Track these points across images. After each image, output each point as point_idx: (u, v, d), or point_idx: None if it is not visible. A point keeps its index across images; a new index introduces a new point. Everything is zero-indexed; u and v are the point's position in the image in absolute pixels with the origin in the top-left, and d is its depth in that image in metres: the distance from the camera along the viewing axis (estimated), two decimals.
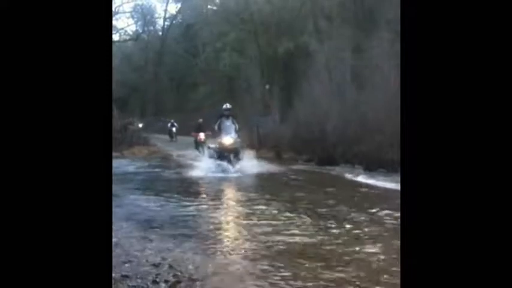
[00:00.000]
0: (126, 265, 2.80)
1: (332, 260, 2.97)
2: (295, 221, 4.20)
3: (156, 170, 9.75)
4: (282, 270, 2.75)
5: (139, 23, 30.01)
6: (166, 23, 30.59)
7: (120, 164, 9.87)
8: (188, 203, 5.24)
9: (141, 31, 29.05)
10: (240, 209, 5.11)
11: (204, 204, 5.28)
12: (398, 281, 1.47)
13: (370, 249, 3.25)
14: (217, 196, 6.09)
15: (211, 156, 9.10)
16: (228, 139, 8.74)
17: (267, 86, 18.47)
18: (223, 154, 8.68)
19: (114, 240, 3.17)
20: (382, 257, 3.03)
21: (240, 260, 2.97)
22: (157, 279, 2.56)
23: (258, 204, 5.13)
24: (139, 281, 2.53)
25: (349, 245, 3.37)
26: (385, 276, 2.64)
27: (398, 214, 3.10)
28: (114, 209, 3.45)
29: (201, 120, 13.51)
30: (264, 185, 7.20)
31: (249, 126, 13.24)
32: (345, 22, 14.93)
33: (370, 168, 9.27)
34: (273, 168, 9.49)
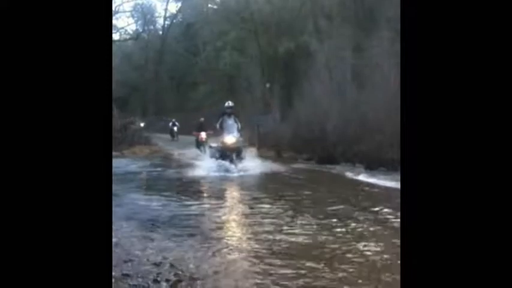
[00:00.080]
0: (127, 264, 2.80)
1: (335, 259, 2.97)
2: (298, 220, 4.19)
3: (158, 169, 9.68)
4: (284, 269, 2.75)
5: (139, 22, 30.03)
6: (166, 22, 30.61)
7: (121, 164, 9.84)
8: (189, 203, 5.24)
9: (141, 30, 29.08)
10: (242, 208, 5.11)
11: (205, 204, 5.28)
12: None
13: (373, 247, 3.25)
14: (219, 195, 6.06)
15: (212, 156, 8.91)
16: (230, 138, 8.52)
17: (268, 85, 18.46)
18: (225, 153, 8.46)
19: (115, 239, 3.17)
20: (385, 256, 3.03)
21: (242, 259, 2.97)
22: (159, 278, 2.56)
23: (260, 203, 5.13)
24: (140, 280, 2.54)
25: (351, 243, 3.37)
26: (387, 274, 2.64)
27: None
28: (114, 209, 3.46)
29: (202, 119, 13.37)
30: (267, 184, 7.15)
31: (250, 125, 13.21)
32: (345, 21, 14.91)
33: (371, 167, 9.27)
34: (275, 167, 9.34)
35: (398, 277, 1.84)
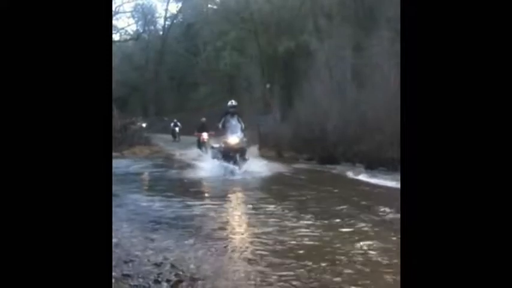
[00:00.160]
0: (128, 264, 2.80)
1: (337, 259, 2.97)
2: (300, 221, 4.19)
3: (158, 170, 9.60)
4: (285, 269, 2.75)
5: (139, 22, 30.03)
6: (166, 23, 30.60)
7: (121, 164, 9.83)
8: (191, 203, 5.22)
9: (141, 31, 29.08)
10: (245, 208, 5.11)
11: (207, 204, 5.27)
12: None
13: (374, 247, 3.25)
14: (221, 196, 6.01)
15: (214, 157, 8.63)
16: (234, 138, 8.17)
17: (268, 85, 18.46)
18: (228, 154, 8.10)
19: (115, 240, 3.17)
20: (386, 255, 3.03)
21: (243, 259, 2.97)
22: (159, 279, 2.56)
23: (262, 204, 5.13)
24: (141, 280, 2.53)
25: (353, 243, 3.37)
26: (388, 274, 2.64)
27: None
28: (115, 209, 3.47)
29: (204, 119, 13.25)
30: (269, 185, 7.10)
31: (250, 125, 13.19)
32: (345, 21, 14.90)
33: (371, 167, 9.26)
34: (278, 167, 9.18)
35: (398, 277, 1.84)
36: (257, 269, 2.77)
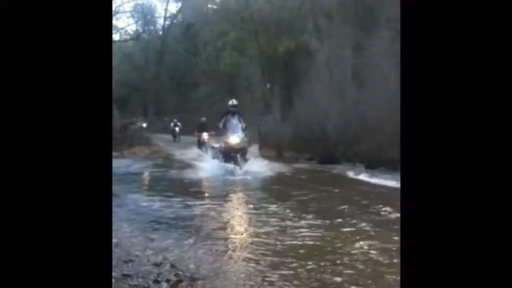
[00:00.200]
0: (128, 264, 2.80)
1: (338, 259, 2.97)
2: (301, 221, 4.19)
3: (159, 170, 9.57)
4: (286, 269, 2.75)
5: (139, 22, 30.04)
6: (166, 23, 30.60)
7: (121, 164, 9.82)
8: (191, 203, 5.22)
9: (141, 31, 29.10)
10: (245, 208, 5.11)
11: (207, 204, 5.26)
12: None
13: (375, 247, 3.25)
14: (221, 196, 5.99)
15: (215, 157, 8.51)
16: (235, 138, 8.03)
17: (268, 85, 18.47)
18: (229, 154, 7.98)
19: (115, 240, 3.17)
20: (386, 255, 3.04)
21: (243, 259, 2.97)
22: (159, 279, 2.56)
23: (263, 204, 5.13)
24: (140, 280, 2.54)
25: (354, 243, 3.37)
26: (388, 274, 2.64)
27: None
28: (115, 209, 3.47)
29: (204, 119, 13.19)
30: (271, 185, 7.07)
31: (250, 125, 13.16)
32: (345, 20, 14.91)
33: (371, 166, 9.27)
34: (279, 167, 9.10)
35: (399, 277, 1.84)
36: (257, 269, 2.77)
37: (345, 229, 3.87)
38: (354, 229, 3.87)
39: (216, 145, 8.71)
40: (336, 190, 6.43)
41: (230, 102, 8.54)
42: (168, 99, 29.10)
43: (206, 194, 6.32)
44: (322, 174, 9.04)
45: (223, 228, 3.96)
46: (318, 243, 3.41)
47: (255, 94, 19.41)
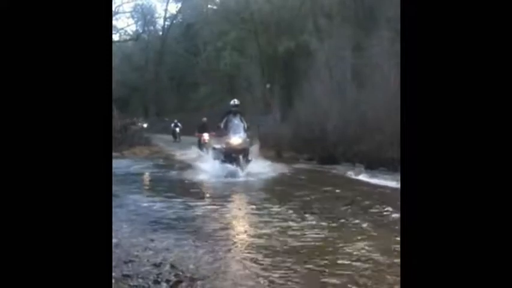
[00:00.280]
0: (128, 265, 2.80)
1: (338, 259, 2.97)
2: (302, 221, 4.19)
3: (159, 170, 9.53)
4: (286, 269, 2.75)
5: (139, 22, 30.09)
6: (166, 23, 30.67)
7: (121, 165, 9.82)
8: (191, 204, 5.21)
9: (141, 31, 29.14)
10: (245, 209, 5.10)
11: (207, 205, 5.26)
12: None
13: (375, 247, 3.25)
14: (221, 197, 5.93)
15: (216, 158, 8.27)
16: (237, 139, 7.78)
17: (268, 85, 18.47)
18: (231, 155, 7.73)
19: (115, 240, 3.17)
20: (386, 255, 3.04)
21: (243, 260, 2.97)
22: (159, 279, 2.56)
23: (263, 204, 5.12)
24: (140, 280, 2.53)
25: (355, 243, 3.37)
26: (389, 274, 2.64)
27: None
28: (115, 209, 3.47)
29: (205, 119, 13.05)
30: (272, 185, 7.00)
31: (250, 125, 13.11)
32: (345, 21, 14.93)
33: (371, 167, 9.27)
34: (282, 168, 8.95)
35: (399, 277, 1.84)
36: (257, 269, 2.77)
37: (346, 229, 3.87)
38: (354, 229, 3.87)
39: (217, 146, 8.49)
40: (338, 190, 6.42)
41: (232, 102, 8.32)
42: (168, 100, 29.13)
43: (207, 195, 6.30)
44: (323, 174, 9.03)
45: (224, 229, 3.95)
46: (318, 243, 3.41)
47: (255, 94, 19.42)
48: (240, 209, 5.25)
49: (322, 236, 3.64)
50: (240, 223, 4.42)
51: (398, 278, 1.53)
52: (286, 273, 2.67)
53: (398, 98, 1.48)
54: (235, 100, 8.35)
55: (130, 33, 29.54)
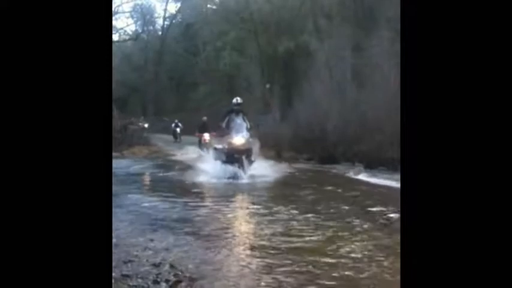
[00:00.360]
0: (127, 265, 2.80)
1: (338, 259, 2.97)
2: (302, 221, 4.19)
3: (159, 170, 9.46)
4: (286, 269, 2.75)
5: (138, 22, 30.07)
6: (166, 23, 30.63)
7: (121, 165, 9.80)
8: (191, 204, 5.21)
9: (140, 31, 29.10)
10: (245, 209, 5.10)
11: (207, 205, 5.25)
12: None
13: (375, 247, 3.25)
14: (222, 197, 5.87)
15: (217, 158, 7.89)
16: (239, 139, 7.44)
17: (268, 85, 18.48)
18: (233, 156, 7.37)
19: (114, 240, 3.17)
20: (387, 255, 3.04)
21: (242, 260, 2.97)
22: (158, 279, 2.56)
23: (263, 204, 5.12)
24: (140, 280, 2.53)
25: (357, 243, 3.38)
26: (391, 272, 2.64)
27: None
28: (114, 209, 3.46)
29: (205, 118, 12.89)
30: (274, 186, 6.93)
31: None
32: (344, 21, 14.94)
33: (371, 166, 9.28)
34: (285, 168, 8.76)
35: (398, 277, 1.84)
36: (257, 269, 2.77)
37: (346, 229, 3.87)
38: (355, 229, 3.87)
39: (219, 146, 8.10)
40: (339, 190, 6.42)
41: (234, 100, 7.95)
42: (168, 100, 29.11)
43: (207, 195, 6.27)
44: (323, 174, 9.03)
45: (224, 229, 3.95)
46: (318, 243, 3.41)
47: (254, 94, 19.41)
48: (241, 208, 5.25)
49: (323, 236, 3.63)
50: (241, 223, 4.41)
51: (398, 278, 1.53)
52: (286, 274, 2.67)
53: (398, 98, 1.48)
54: (238, 98, 8.00)
55: (130, 33, 29.56)
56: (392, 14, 10.26)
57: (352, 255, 3.08)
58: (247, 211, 4.98)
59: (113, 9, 21.81)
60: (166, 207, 5.00)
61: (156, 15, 31.01)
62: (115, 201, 4.46)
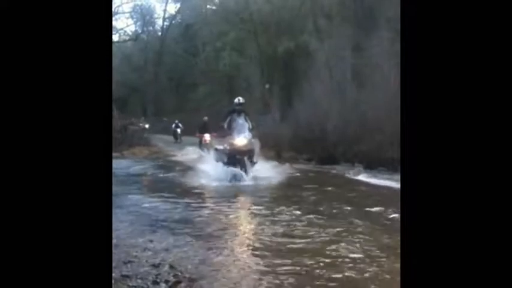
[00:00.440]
0: (127, 265, 2.80)
1: (338, 259, 2.97)
2: (302, 221, 4.19)
3: (159, 171, 9.40)
4: (287, 269, 2.75)
5: (138, 23, 30.08)
6: (165, 23, 30.64)
7: (121, 165, 9.79)
8: (192, 205, 5.20)
9: (140, 31, 29.11)
10: (245, 210, 5.09)
11: (208, 205, 5.25)
12: None
13: (375, 247, 3.25)
14: (223, 197, 5.84)
15: (218, 160, 7.73)
16: (241, 139, 7.23)
17: (267, 86, 18.48)
18: (235, 157, 7.16)
19: (114, 241, 3.16)
20: (387, 255, 3.04)
21: (242, 261, 2.97)
22: (158, 280, 2.56)
23: (263, 205, 5.12)
24: (139, 281, 2.53)
25: (355, 243, 3.37)
26: (391, 272, 2.64)
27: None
28: (114, 210, 3.46)
29: (206, 118, 12.74)
30: (275, 186, 6.86)
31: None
32: (344, 21, 14.94)
33: (371, 167, 9.28)
34: (289, 170, 8.64)
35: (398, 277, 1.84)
36: (257, 270, 2.77)
37: (346, 229, 3.87)
38: (355, 229, 3.87)
39: (220, 147, 7.89)
40: (339, 191, 6.42)
41: (236, 100, 7.73)
42: (167, 100, 29.11)
43: (207, 195, 6.23)
44: (323, 175, 9.02)
45: (224, 229, 3.95)
46: (319, 244, 3.41)
47: (254, 94, 19.40)
48: (241, 209, 5.24)
49: (323, 236, 3.63)
50: (241, 224, 4.41)
51: (398, 278, 1.53)
52: (287, 274, 2.67)
53: (398, 98, 1.48)
54: (240, 98, 7.77)
55: (130, 33, 29.58)
56: (392, 14, 10.27)
57: (352, 255, 3.09)
58: (248, 212, 4.98)
59: (112, 9, 21.82)
60: (166, 208, 5.00)
61: (155, 15, 31.06)
62: (114, 201, 4.46)
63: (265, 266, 2.82)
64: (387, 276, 2.63)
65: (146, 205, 5.17)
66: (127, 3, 27.30)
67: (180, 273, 2.67)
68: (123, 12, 27.39)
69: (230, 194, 6.15)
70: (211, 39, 24.77)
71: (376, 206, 4.90)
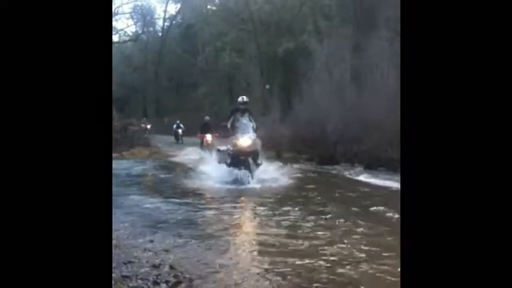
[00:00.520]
0: (127, 266, 2.80)
1: (339, 260, 2.97)
2: (303, 221, 4.19)
3: (159, 172, 9.33)
4: (287, 270, 2.75)
5: (138, 23, 30.12)
6: (165, 24, 30.66)
7: (121, 165, 9.77)
8: (192, 205, 5.19)
9: (140, 32, 29.15)
10: (246, 210, 5.09)
11: (208, 206, 5.24)
12: None
13: (375, 247, 3.25)
14: (224, 197, 5.81)
15: (220, 161, 7.45)
16: (246, 140, 6.91)
17: (267, 86, 18.48)
18: (239, 158, 6.85)
19: (114, 241, 3.16)
20: (387, 255, 3.04)
21: (242, 261, 2.97)
22: (158, 280, 2.56)
23: (262, 205, 5.12)
24: (139, 281, 2.53)
25: (357, 243, 3.38)
26: (391, 272, 2.64)
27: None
28: (114, 210, 3.46)
29: (207, 117, 12.57)
30: (277, 187, 6.70)
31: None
32: (344, 21, 14.97)
33: (371, 167, 9.27)
34: (293, 171, 8.48)
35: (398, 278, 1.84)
36: (257, 270, 2.77)
37: (347, 229, 3.87)
38: (355, 229, 3.87)
39: (223, 147, 7.55)
40: (339, 191, 6.41)
41: (240, 99, 7.46)
42: (167, 100, 29.11)
43: (208, 196, 6.19)
44: (323, 175, 9.02)
45: (224, 230, 3.95)
46: (319, 243, 3.41)
47: (254, 95, 19.38)
48: (243, 209, 5.23)
49: (323, 236, 3.63)
50: (240, 224, 4.41)
51: (398, 278, 1.53)
52: (287, 274, 2.67)
53: (398, 98, 1.48)
54: (244, 97, 7.46)
55: (130, 34, 29.65)
56: (392, 15, 10.28)
57: (354, 255, 3.09)
58: (249, 212, 4.97)
59: (113, 10, 21.84)
60: (167, 208, 4.99)
61: (156, 16, 31.08)
62: (114, 202, 4.45)
63: (265, 267, 2.82)
64: (387, 276, 2.63)
65: (146, 206, 5.16)
66: (127, 3, 27.40)
67: (180, 274, 2.67)
68: (124, 13, 27.53)
69: (234, 195, 6.03)
70: (212, 40, 24.78)
71: (377, 206, 4.90)
